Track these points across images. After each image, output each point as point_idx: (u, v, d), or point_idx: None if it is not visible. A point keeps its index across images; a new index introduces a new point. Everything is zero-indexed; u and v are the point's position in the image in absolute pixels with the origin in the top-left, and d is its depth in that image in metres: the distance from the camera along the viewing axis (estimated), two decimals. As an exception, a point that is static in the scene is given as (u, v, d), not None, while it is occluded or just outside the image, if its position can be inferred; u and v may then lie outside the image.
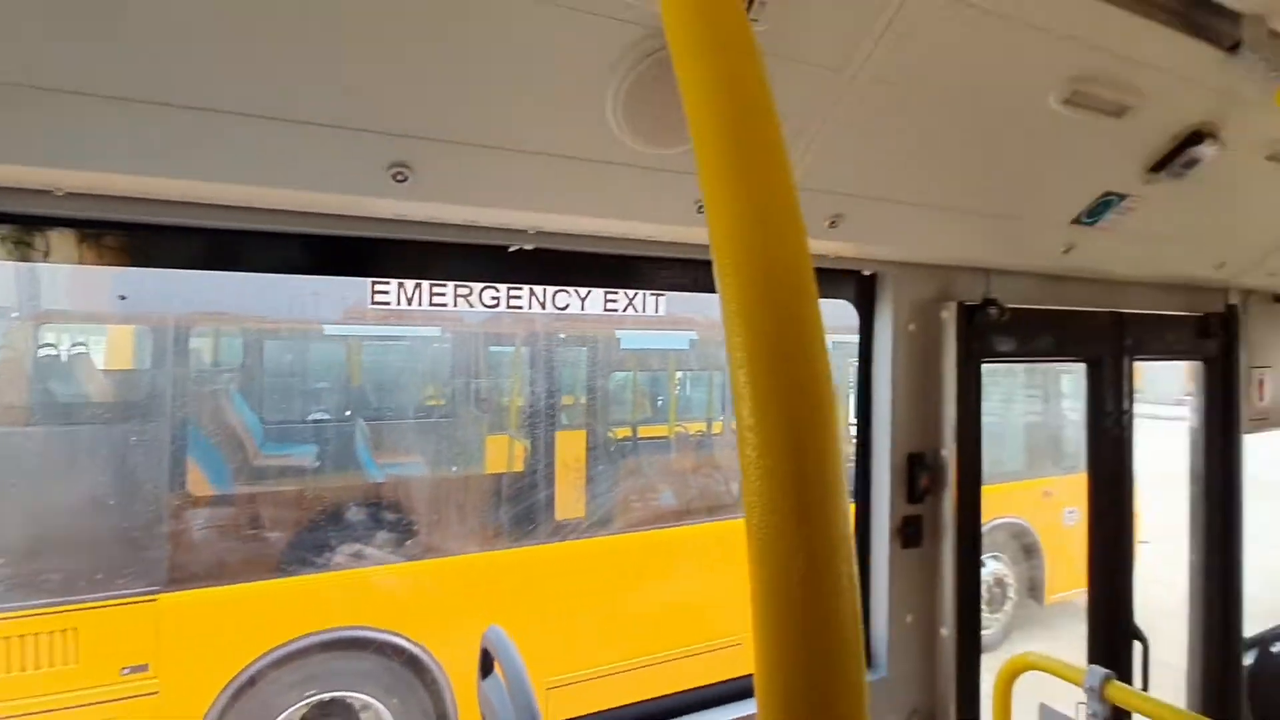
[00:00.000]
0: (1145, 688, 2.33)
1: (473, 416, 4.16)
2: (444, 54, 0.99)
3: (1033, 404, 6.48)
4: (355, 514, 3.59)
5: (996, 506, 6.18)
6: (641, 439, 5.02)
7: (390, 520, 3.66)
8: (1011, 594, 6.16)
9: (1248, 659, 2.77)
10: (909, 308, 1.99)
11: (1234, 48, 1.32)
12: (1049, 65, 1.30)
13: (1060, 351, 2.29)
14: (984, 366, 2.06)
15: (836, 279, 1.99)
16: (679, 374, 5.27)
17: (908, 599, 2.00)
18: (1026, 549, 6.27)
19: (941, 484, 2.00)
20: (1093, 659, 2.36)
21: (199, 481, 3.45)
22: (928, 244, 1.80)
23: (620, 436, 4.86)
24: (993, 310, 2.01)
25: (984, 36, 1.20)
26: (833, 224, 1.51)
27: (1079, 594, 6.64)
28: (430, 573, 3.70)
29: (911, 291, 1.99)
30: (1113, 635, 2.35)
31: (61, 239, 1.19)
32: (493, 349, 4.23)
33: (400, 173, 1.10)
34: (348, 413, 3.80)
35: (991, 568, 6.02)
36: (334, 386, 3.91)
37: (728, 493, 4.93)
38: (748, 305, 0.43)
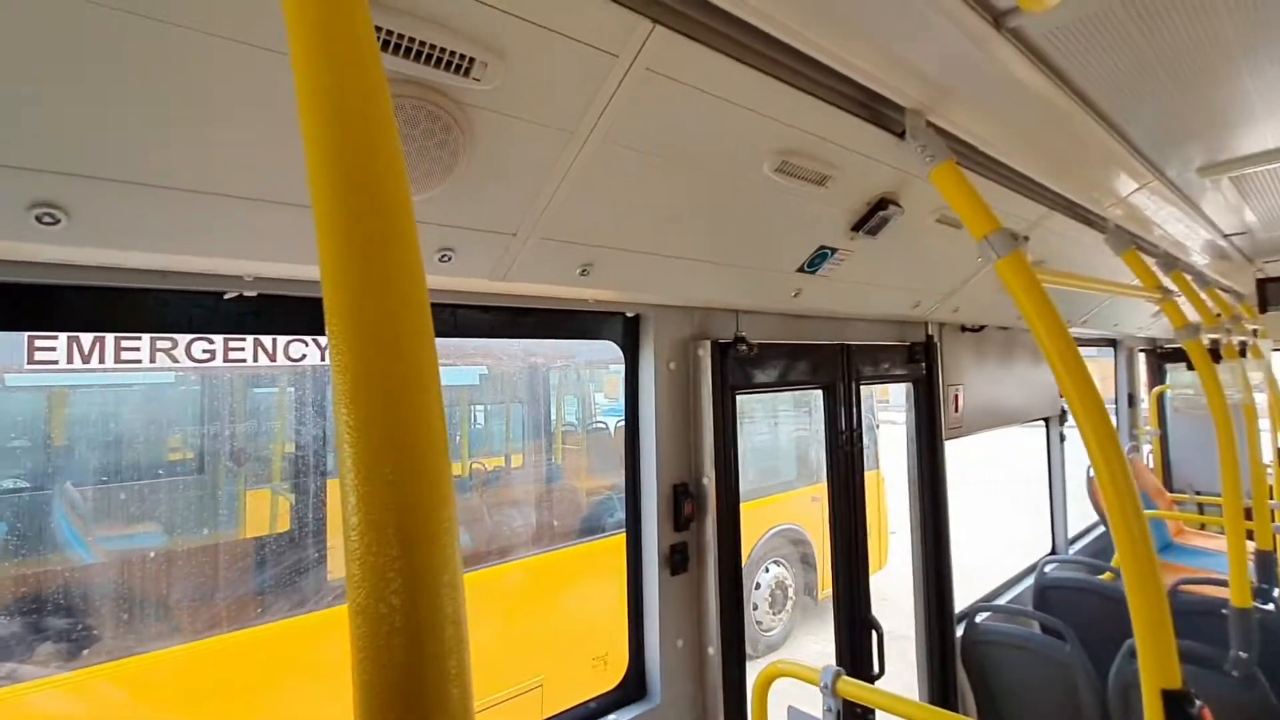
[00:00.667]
0: (882, 671, 2.68)
1: (227, 471, 3.63)
2: (107, 81, 0.84)
3: (801, 420, 7.28)
4: (50, 604, 2.88)
5: (775, 516, 6.82)
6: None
7: (97, 609, 3.00)
8: (791, 594, 6.78)
9: (960, 631, 3.32)
10: (669, 346, 2.12)
11: (902, 134, 1.60)
12: (760, 140, 1.47)
13: (802, 380, 2.59)
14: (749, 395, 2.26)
15: (602, 321, 2.06)
16: (472, 408, 5.10)
17: (678, 624, 2.10)
18: (802, 553, 6.97)
19: (704, 511, 2.14)
20: (839, 651, 2.67)
21: None
22: (683, 288, 1.93)
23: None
24: (742, 346, 2.21)
25: (703, 112, 1.32)
26: (584, 272, 1.56)
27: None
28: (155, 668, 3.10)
29: (671, 331, 2.13)
30: (854, 628, 2.68)
31: None
32: (255, 391, 3.74)
33: (48, 214, 0.92)
34: (47, 478, 3.08)
35: (774, 573, 6.59)
36: (30, 447, 3.16)
37: (525, 530, 4.84)
38: (358, 347, 0.41)
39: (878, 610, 2.78)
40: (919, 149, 1.55)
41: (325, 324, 0.42)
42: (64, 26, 0.78)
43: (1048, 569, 3.97)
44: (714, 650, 2.11)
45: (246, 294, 1.35)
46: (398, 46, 0.91)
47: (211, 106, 0.92)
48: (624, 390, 2.12)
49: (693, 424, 2.17)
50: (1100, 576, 3.85)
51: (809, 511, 7.06)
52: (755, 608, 6.66)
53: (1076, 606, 3.59)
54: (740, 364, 2.25)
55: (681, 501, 2.11)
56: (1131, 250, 2.68)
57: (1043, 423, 4.48)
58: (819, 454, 7.39)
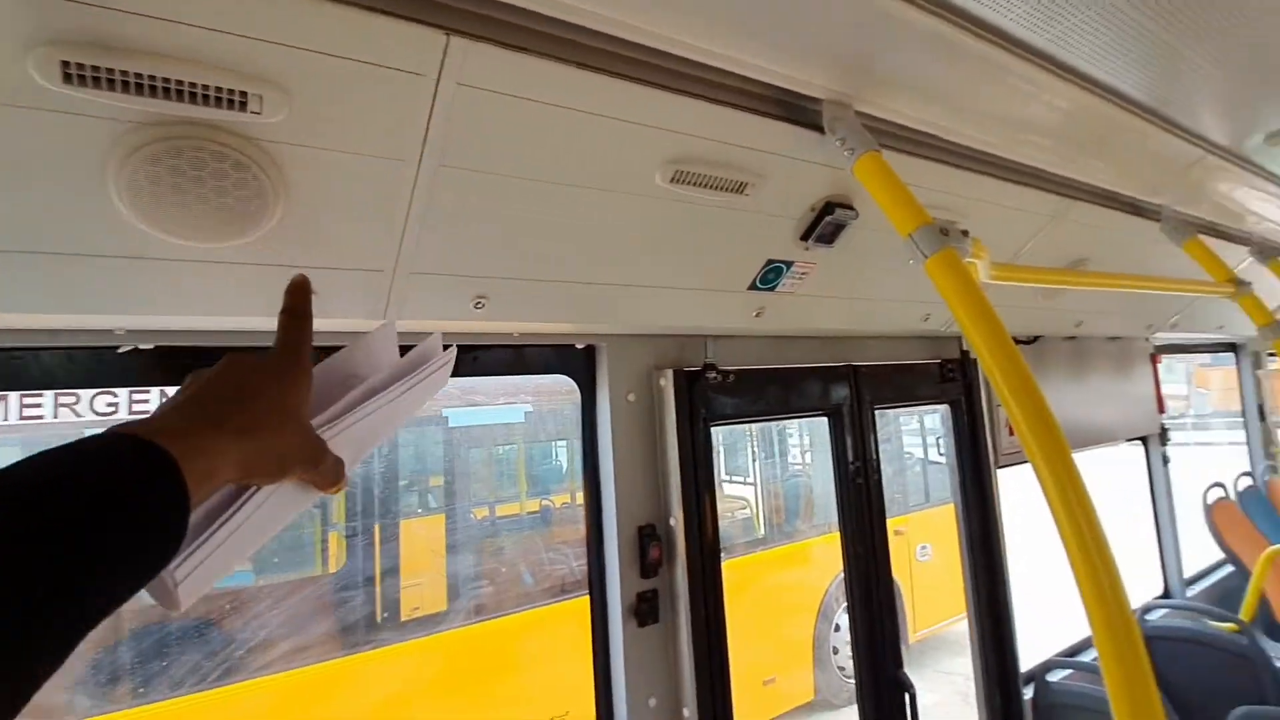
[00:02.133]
0: (915, 741, 2.34)
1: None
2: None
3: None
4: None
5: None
6: (494, 519, 4.81)
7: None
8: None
9: (1028, 692, 2.86)
10: (628, 378, 1.99)
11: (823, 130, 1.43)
12: (642, 151, 1.35)
13: (801, 407, 2.36)
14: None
15: (555, 354, 1.97)
16: (512, 448, 5.13)
17: (649, 680, 1.92)
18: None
19: (673, 555, 1.97)
20: (862, 712, 2.35)
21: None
22: (632, 315, 1.81)
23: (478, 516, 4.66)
24: (712, 375, 2.04)
25: (553, 125, 1.22)
26: (478, 304, 1.48)
27: (947, 625, 6.85)
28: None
29: (630, 362, 2.00)
30: (879, 689, 2.36)
31: None
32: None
33: None
34: None
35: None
36: None
37: (578, 569, 4.77)
38: None
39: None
40: (839, 143, 1.37)
41: None
42: None
43: (1152, 616, 3.39)
44: (690, 712, 1.91)
45: (142, 346, 1.37)
46: (150, 88, 0.88)
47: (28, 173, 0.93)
48: (581, 427, 2.01)
49: (659, 460, 2.01)
50: (1220, 626, 3.22)
51: (891, 547, 6.51)
52: (836, 651, 6.19)
53: (1188, 663, 3.01)
54: (715, 393, 2.08)
55: (647, 545, 1.94)
56: (1193, 239, 2.28)
57: (1140, 443, 3.88)
58: (900, 481, 6.85)
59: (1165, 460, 3.83)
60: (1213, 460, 5.15)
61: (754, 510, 6.04)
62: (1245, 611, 3.38)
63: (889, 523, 6.61)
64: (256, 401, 0.53)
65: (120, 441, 0.43)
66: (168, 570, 0.48)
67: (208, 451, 0.47)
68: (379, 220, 1.23)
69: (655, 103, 1.25)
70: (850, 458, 2.41)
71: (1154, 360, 3.81)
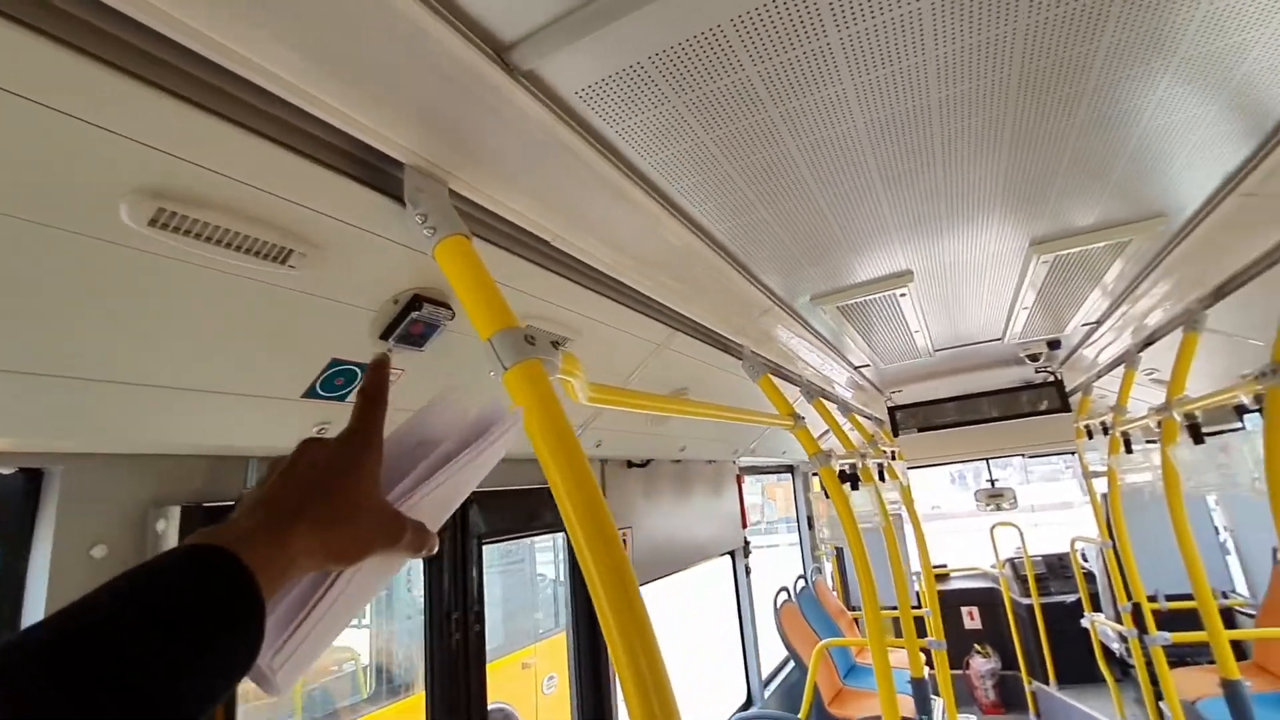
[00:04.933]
0: None
1: None
2: None
3: (508, 575, 6.46)
4: None
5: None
6: None
7: None
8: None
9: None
10: (97, 522, 1.30)
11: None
12: (119, 178, 0.86)
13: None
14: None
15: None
16: None
17: None
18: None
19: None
20: None
21: None
22: (126, 425, 1.17)
23: None
24: (254, 511, 1.47)
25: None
26: None
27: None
28: None
29: (107, 497, 1.32)
30: None
31: None
32: None
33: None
34: None
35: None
36: None
37: None
38: None
39: None
40: (419, 219, 1.08)
41: None
42: None
43: (740, 727, 3.60)
44: None
45: None
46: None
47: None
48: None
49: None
50: (790, 727, 3.57)
51: (519, 681, 6.08)
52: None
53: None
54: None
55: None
56: (765, 377, 2.59)
57: (729, 556, 4.34)
58: (533, 609, 6.57)
59: (748, 571, 4.33)
60: (784, 559, 6.10)
61: (361, 662, 5.06)
62: (804, 709, 3.84)
63: (518, 655, 6.18)
64: (332, 492, 0.55)
65: (194, 555, 0.45)
66: (263, 661, 0.50)
67: (287, 547, 0.50)
68: None
69: (135, 101, 0.79)
70: (448, 603, 2.00)
71: (739, 480, 4.37)
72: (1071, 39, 1.13)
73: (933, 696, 3.96)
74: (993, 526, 7.15)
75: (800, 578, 5.25)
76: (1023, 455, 6.91)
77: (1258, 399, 1.79)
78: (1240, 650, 4.50)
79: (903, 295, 2.45)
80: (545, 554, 7.10)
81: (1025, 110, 1.33)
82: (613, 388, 1.46)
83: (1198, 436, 2.39)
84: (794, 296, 2.35)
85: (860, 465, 3.42)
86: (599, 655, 2.63)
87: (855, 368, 4.02)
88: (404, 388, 1.55)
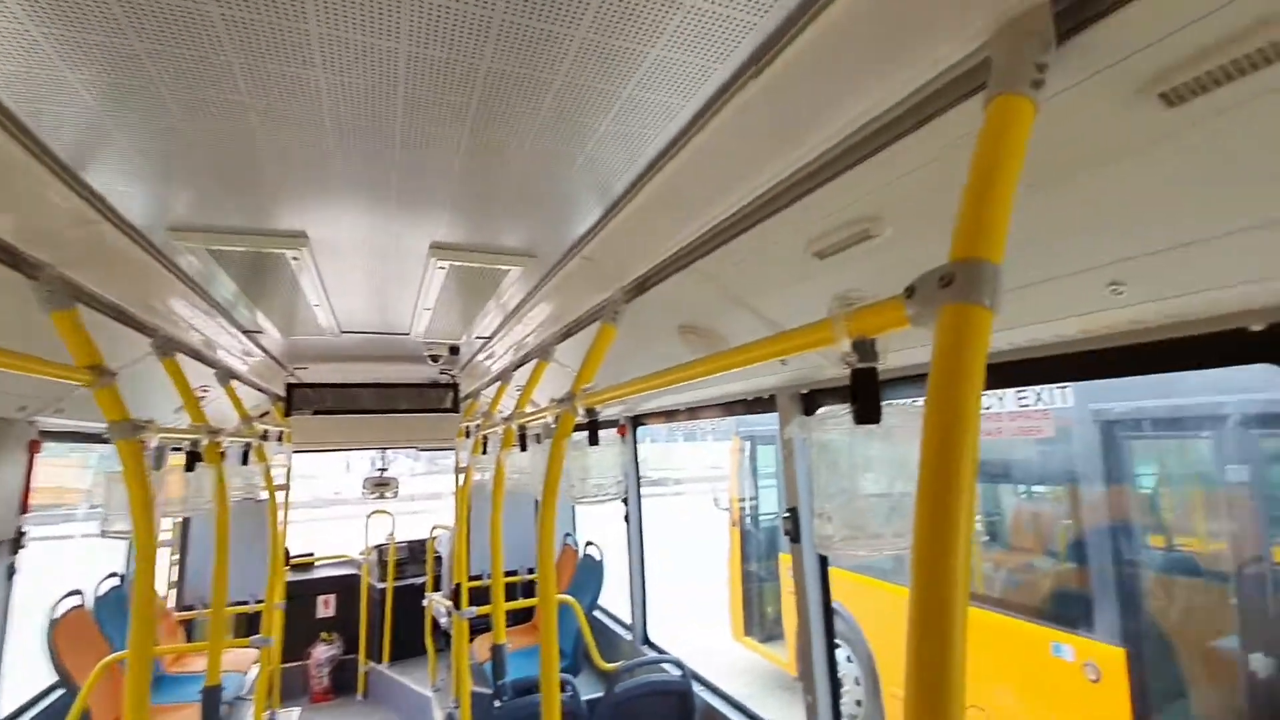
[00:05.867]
0: None
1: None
2: None
3: None
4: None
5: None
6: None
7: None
8: None
9: None
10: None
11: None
12: None
13: None
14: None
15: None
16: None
17: None
18: None
19: None
20: None
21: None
22: None
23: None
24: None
25: None
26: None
27: None
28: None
29: None
30: None
31: None
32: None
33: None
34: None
35: None
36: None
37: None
38: None
39: None
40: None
41: None
42: None
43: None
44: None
45: None
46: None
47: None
48: None
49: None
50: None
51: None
52: None
53: None
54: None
55: None
56: (71, 311, 1.86)
57: None
58: None
59: (11, 573, 3.09)
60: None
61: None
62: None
63: None
64: None
65: None
66: None
67: None
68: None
69: None
70: None
71: (33, 448, 3.15)
72: (455, 58, 1.12)
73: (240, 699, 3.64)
74: (369, 515, 7.36)
75: (114, 574, 4.16)
76: (416, 449, 7.38)
77: (557, 418, 2.18)
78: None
79: (295, 259, 2.16)
80: None
81: (413, 112, 1.29)
82: None
83: (594, 438, 2.41)
84: (139, 214, 1.77)
85: (207, 444, 2.88)
86: None
87: (246, 331, 3.46)
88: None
